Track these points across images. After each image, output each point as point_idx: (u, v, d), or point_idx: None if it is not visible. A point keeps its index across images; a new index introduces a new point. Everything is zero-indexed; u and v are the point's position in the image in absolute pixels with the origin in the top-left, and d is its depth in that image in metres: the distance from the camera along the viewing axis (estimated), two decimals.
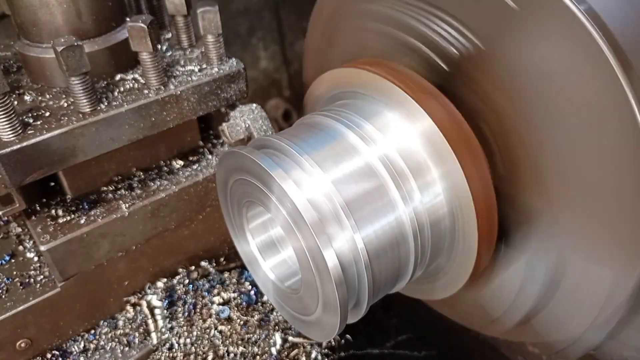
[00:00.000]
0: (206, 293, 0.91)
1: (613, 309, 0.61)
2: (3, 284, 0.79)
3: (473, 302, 0.79)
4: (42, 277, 0.81)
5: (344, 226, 0.60)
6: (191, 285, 0.92)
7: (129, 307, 0.89)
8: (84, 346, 0.85)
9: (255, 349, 0.86)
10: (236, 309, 0.89)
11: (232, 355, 0.85)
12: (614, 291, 0.60)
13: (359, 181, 0.63)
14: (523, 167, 0.64)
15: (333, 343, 0.91)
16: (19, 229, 0.87)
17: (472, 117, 0.65)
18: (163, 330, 0.86)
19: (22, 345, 0.79)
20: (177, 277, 0.92)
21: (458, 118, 0.65)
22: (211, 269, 0.95)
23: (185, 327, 0.87)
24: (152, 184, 0.86)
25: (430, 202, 0.66)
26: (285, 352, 0.87)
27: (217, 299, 0.90)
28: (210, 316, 0.88)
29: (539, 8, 0.55)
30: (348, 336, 0.94)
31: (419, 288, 0.80)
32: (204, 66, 0.84)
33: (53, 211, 0.80)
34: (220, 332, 0.87)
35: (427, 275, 0.75)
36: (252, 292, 0.92)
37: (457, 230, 0.67)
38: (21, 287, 0.79)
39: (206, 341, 0.86)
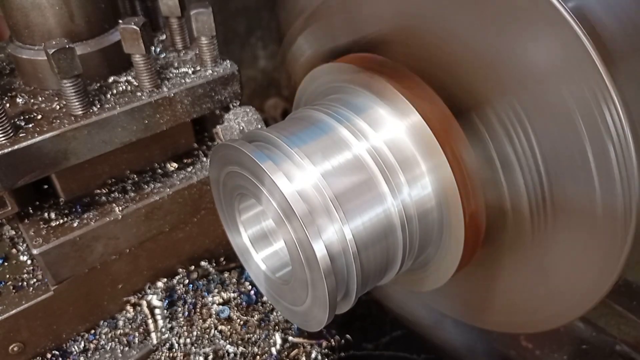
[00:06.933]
0: (206, 293, 0.91)
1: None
2: None
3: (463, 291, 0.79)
4: (35, 280, 0.80)
5: (333, 218, 0.61)
6: (191, 285, 0.92)
7: (129, 307, 0.89)
8: (84, 346, 0.85)
9: (255, 349, 0.86)
10: (236, 309, 0.89)
11: (232, 355, 0.85)
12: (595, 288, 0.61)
13: (349, 174, 0.64)
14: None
15: (333, 343, 0.91)
16: (12, 232, 0.86)
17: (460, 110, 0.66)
18: (163, 330, 0.86)
19: (15, 349, 0.79)
20: (177, 277, 0.92)
21: (446, 113, 0.66)
22: (211, 269, 0.95)
23: (185, 327, 0.87)
24: (146, 186, 0.85)
25: (418, 195, 0.67)
26: (285, 352, 0.87)
27: (217, 299, 0.90)
28: (210, 316, 0.88)
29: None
30: (348, 336, 0.94)
31: (409, 280, 0.81)
32: (198, 68, 0.83)
33: (46, 214, 0.80)
34: (220, 332, 0.87)
35: (416, 267, 0.76)
36: (252, 292, 0.92)
37: (445, 222, 0.68)
38: (14, 291, 0.79)
39: (206, 341, 0.86)
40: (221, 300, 0.90)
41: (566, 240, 0.62)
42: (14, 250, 0.85)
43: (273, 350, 0.86)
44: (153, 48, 0.88)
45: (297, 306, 0.69)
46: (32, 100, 0.76)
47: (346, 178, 0.64)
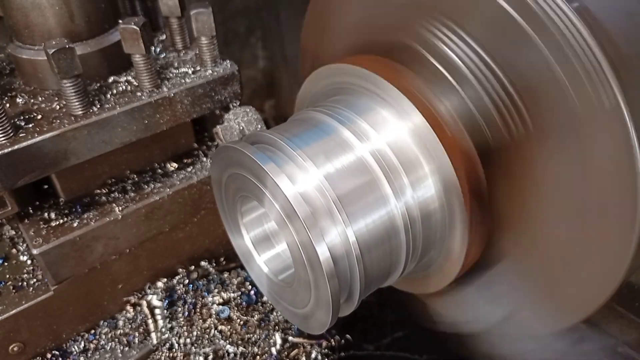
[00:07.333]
0: (206, 293, 0.91)
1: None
2: None
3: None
4: (35, 280, 0.80)
5: (336, 220, 0.61)
6: (191, 285, 0.92)
7: (129, 307, 0.89)
8: (84, 346, 0.85)
9: (255, 349, 0.86)
10: (236, 309, 0.89)
11: (232, 355, 0.85)
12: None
13: (351, 176, 0.64)
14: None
15: (333, 343, 0.90)
16: (12, 232, 0.86)
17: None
18: (163, 330, 0.86)
19: (15, 349, 0.79)
20: (177, 277, 0.92)
21: (449, 115, 0.66)
22: (211, 269, 0.95)
23: (185, 327, 0.86)
24: (146, 186, 0.85)
25: (422, 196, 0.67)
26: (285, 352, 0.87)
27: (217, 299, 0.90)
28: (210, 316, 0.88)
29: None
30: (348, 336, 0.93)
31: (412, 282, 0.81)
32: (198, 68, 0.83)
33: (46, 214, 0.79)
34: (220, 332, 0.87)
35: (419, 269, 0.76)
36: (252, 292, 0.92)
37: (448, 224, 0.68)
38: (14, 291, 0.79)
39: (206, 341, 0.86)
40: (221, 300, 0.90)
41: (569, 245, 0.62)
42: (14, 250, 0.84)
43: (273, 350, 0.86)
44: (153, 48, 0.88)
45: (299, 308, 0.69)
46: (32, 100, 0.76)
47: (349, 180, 0.64)
